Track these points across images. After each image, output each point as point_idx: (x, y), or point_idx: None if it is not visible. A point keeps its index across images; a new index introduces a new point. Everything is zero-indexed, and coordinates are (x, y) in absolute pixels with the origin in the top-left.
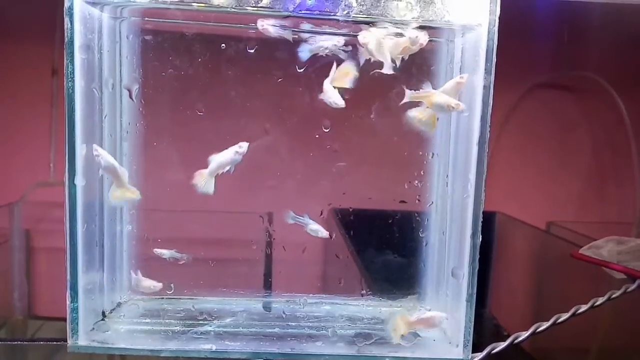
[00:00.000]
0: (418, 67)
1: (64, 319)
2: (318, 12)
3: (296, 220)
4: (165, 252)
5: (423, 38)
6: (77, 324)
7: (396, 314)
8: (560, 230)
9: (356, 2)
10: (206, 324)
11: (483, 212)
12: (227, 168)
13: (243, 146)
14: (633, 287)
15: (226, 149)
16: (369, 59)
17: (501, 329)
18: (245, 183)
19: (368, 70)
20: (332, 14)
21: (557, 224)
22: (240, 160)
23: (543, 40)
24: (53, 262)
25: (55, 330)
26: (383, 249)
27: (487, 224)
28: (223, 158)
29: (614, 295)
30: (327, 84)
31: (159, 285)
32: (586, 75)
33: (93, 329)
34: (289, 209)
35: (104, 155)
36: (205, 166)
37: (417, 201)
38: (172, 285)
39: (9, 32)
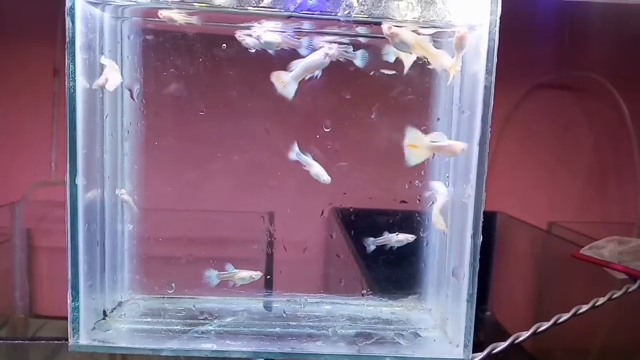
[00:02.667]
0: (420, 66)
1: (65, 318)
2: (319, 12)
3: (299, 158)
4: (126, 197)
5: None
6: (78, 323)
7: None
8: (562, 230)
9: (357, 2)
10: (207, 324)
11: (484, 212)
12: (315, 73)
13: (333, 47)
14: (634, 287)
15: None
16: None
17: (502, 329)
18: (246, 183)
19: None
20: (333, 14)
21: (558, 224)
22: (327, 64)
23: (544, 40)
24: (54, 262)
25: (57, 329)
26: (384, 249)
27: (488, 224)
28: (311, 60)
29: (615, 296)
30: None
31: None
32: (588, 76)
33: (94, 328)
34: (290, 206)
35: None
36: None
37: (417, 201)
38: (173, 284)
39: (11, 32)
